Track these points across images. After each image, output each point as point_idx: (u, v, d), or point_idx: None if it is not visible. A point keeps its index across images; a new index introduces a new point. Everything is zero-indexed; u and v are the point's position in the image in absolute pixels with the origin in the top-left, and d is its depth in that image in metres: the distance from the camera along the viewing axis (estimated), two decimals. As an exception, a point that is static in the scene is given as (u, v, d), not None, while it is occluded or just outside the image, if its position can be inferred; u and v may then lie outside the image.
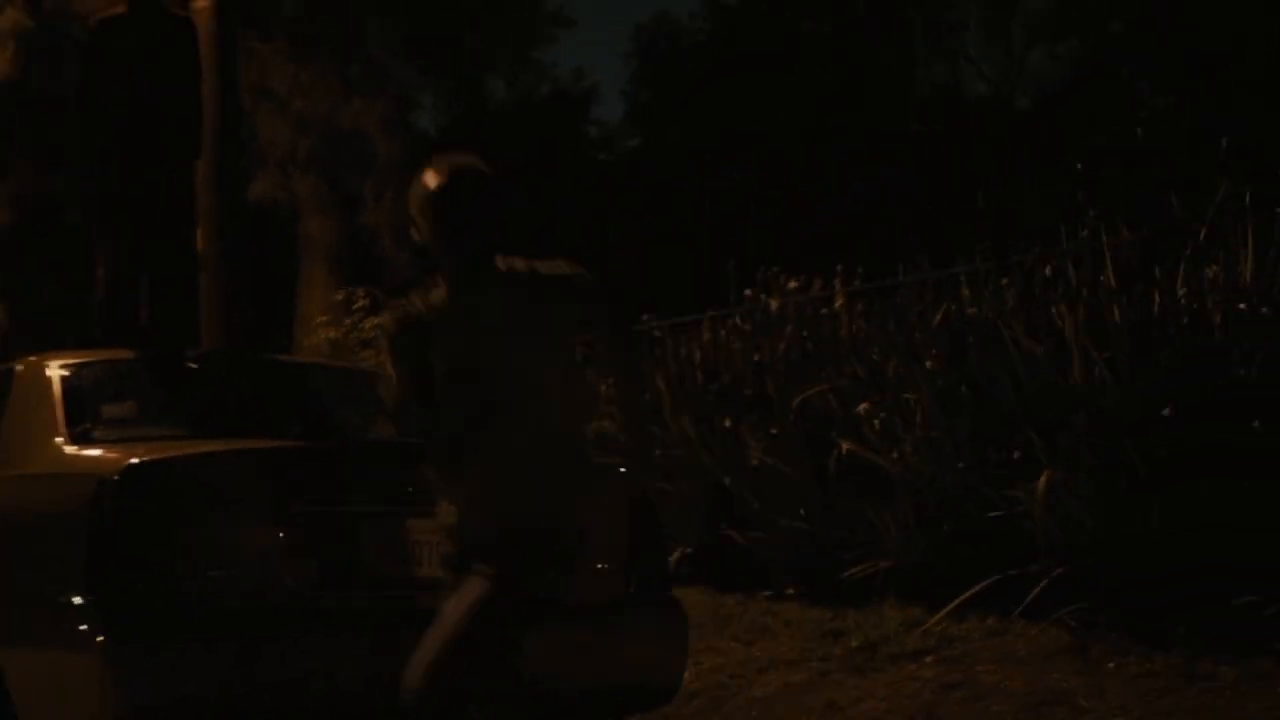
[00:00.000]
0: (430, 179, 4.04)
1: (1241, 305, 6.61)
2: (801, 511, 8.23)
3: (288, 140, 21.21)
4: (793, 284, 9.13)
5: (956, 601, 6.96)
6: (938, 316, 7.64)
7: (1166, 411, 6.26)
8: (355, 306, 14.74)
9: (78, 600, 4.52)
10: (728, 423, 8.83)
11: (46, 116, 19.66)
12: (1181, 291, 6.69)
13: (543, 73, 32.80)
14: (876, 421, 7.47)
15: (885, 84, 31.60)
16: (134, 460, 4.70)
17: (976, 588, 6.86)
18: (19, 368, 6.09)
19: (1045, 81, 31.77)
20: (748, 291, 9.39)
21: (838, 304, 8.67)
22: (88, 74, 7.33)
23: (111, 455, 4.87)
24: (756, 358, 8.82)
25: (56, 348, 6.37)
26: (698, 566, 9.05)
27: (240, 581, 4.68)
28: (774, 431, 8.43)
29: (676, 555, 9.07)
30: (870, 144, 28.30)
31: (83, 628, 4.46)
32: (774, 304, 9.00)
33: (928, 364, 7.33)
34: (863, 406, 7.58)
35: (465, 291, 4.04)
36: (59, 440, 5.31)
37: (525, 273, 4.13)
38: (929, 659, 6.76)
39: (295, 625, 4.73)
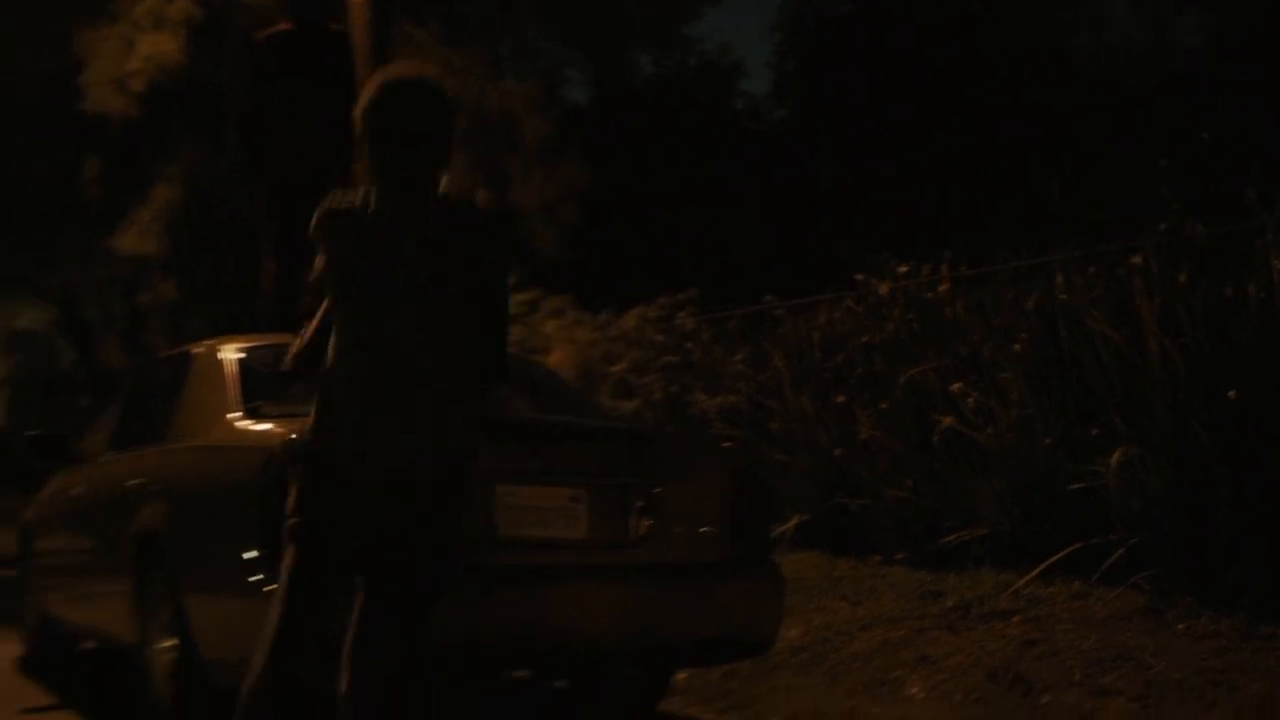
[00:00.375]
0: (370, 88, 3.85)
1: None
2: (909, 482, 8.84)
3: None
4: (903, 269, 9.71)
5: (1042, 566, 7.56)
6: (1030, 302, 8.20)
7: (1231, 395, 6.77)
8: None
9: (249, 555, 5.26)
10: (841, 399, 9.45)
11: (213, 102, 20.64)
12: (1251, 285, 7.19)
13: (689, 47, 33.20)
14: (971, 399, 8.05)
15: (1030, 56, 31.58)
16: (294, 435, 5.44)
17: (1060, 554, 7.45)
18: (197, 351, 6.91)
19: (1179, 55, 31.55)
20: (859, 276, 9.99)
21: (942, 289, 9.24)
22: (256, 86, 8.07)
23: (277, 430, 5.54)
24: (865, 339, 9.44)
25: (222, 325, 7.15)
26: (815, 532, 9.69)
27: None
28: (883, 407, 9.05)
29: (794, 521, 9.76)
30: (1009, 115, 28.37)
31: (254, 578, 5.20)
32: (884, 288, 9.61)
33: (1015, 347, 7.90)
34: (956, 386, 8.17)
35: (388, 210, 3.83)
36: (232, 416, 6.08)
37: (457, 210, 3.88)
38: (1015, 619, 7.34)
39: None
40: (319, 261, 3.88)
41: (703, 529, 5.98)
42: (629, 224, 27.30)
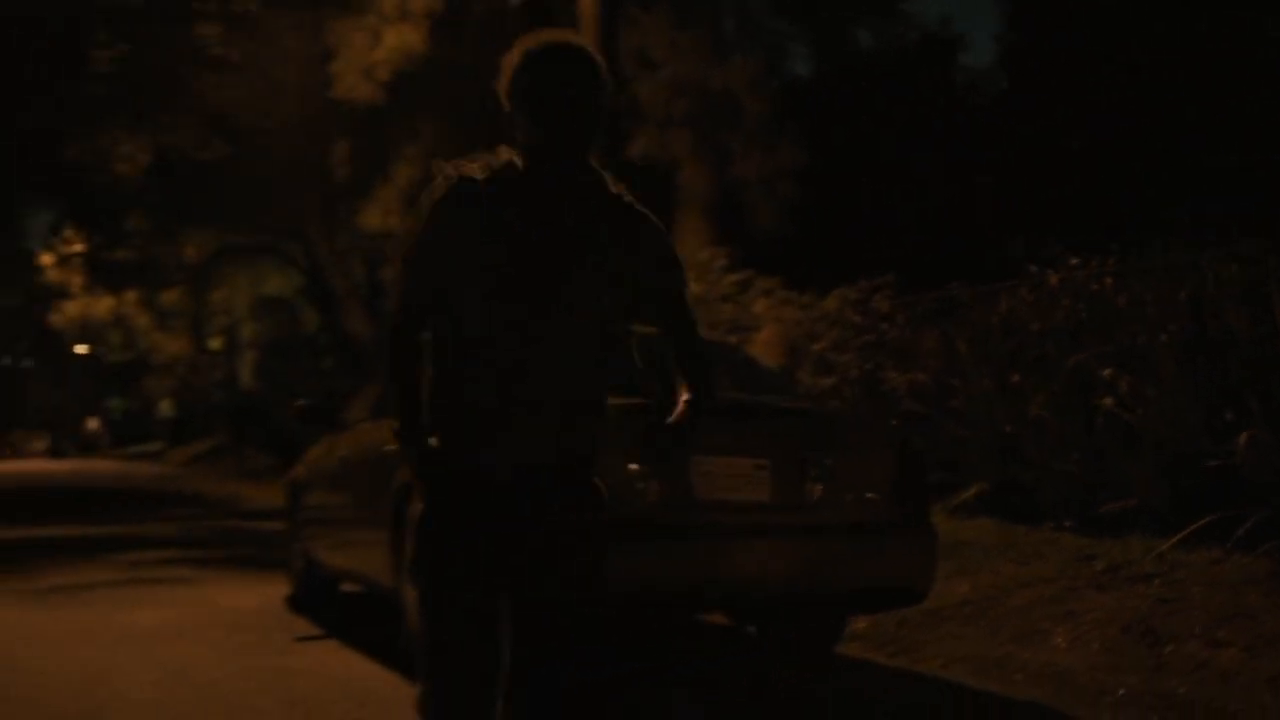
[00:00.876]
0: (515, 53, 3.57)
1: None
2: (1074, 457, 9.77)
3: (664, 101, 23.02)
4: (1073, 261, 10.59)
5: (1182, 534, 8.48)
6: (1183, 294, 9.08)
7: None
8: (716, 265, 16.49)
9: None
10: (1016, 380, 10.40)
11: (453, 86, 22.10)
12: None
13: (909, 21, 33.73)
14: (1124, 383, 8.98)
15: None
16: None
17: (1197, 524, 8.35)
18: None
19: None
20: (1033, 267, 10.88)
21: (1107, 281, 10.11)
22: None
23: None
24: (1038, 326, 10.36)
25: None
26: (992, 501, 10.65)
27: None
28: (1052, 390, 9.99)
29: (974, 490, 10.75)
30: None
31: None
32: (1054, 279, 10.50)
33: (1163, 337, 8.79)
34: (1107, 371, 9.09)
35: (538, 178, 3.53)
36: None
37: (613, 194, 3.62)
38: (1155, 580, 8.26)
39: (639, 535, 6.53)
40: (425, 234, 3.51)
41: (868, 494, 7.06)
42: (844, 199, 27.99)
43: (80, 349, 72.31)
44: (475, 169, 3.53)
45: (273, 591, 11.06)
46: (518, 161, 3.55)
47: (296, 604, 10.49)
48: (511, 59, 3.56)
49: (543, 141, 3.51)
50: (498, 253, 3.45)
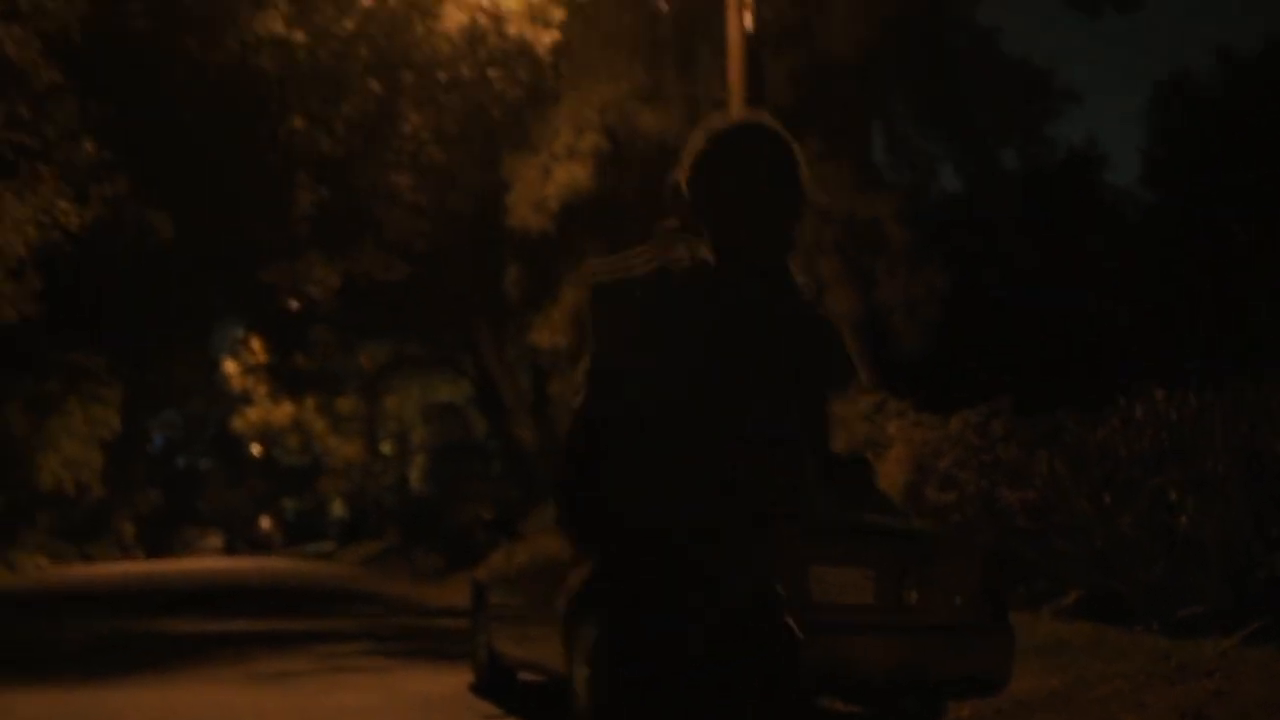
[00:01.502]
0: (696, 136, 3.30)
1: None
2: (1156, 568, 11.15)
3: (812, 228, 24.48)
4: (1159, 394, 11.99)
5: (1242, 634, 9.83)
6: (1245, 425, 10.48)
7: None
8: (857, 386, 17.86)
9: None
10: (1108, 499, 11.80)
11: (617, 215, 23.92)
12: None
13: (1050, 145, 34.79)
14: (1190, 503, 10.38)
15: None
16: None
17: (1252, 627, 9.70)
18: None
19: None
20: (1122, 400, 12.28)
21: (1188, 412, 11.50)
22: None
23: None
24: (1125, 453, 11.77)
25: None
26: (1089, 605, 12.01)
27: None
28: (1139, 508, 11.38)
29: (1074, 597, 12.12)
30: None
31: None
32: (1139, 410, 11.91)
33: (1219, 467, 10.20)
34: (1173, 494, 10.50)
35: (714, 283, 3.24)
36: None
37: (805, 292, 3.35)
38: (1216, 675, 9.59)
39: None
40: (594, 343, 3.29)
41: (956, 599, 8.56)
42: (984, 319, 29.02)
43: (257, 450, 75.23)
44: (639, 262, 3.27)
45: (457, 679, 12.66)
46: (706, 257, 3.26)
47: (480, 690, 12.02)
48: (694, 142, 3.30)
49: (731, 235, 3.24)
50: (678, 356, 3.21)
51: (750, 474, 3.26)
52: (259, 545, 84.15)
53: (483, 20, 22.95)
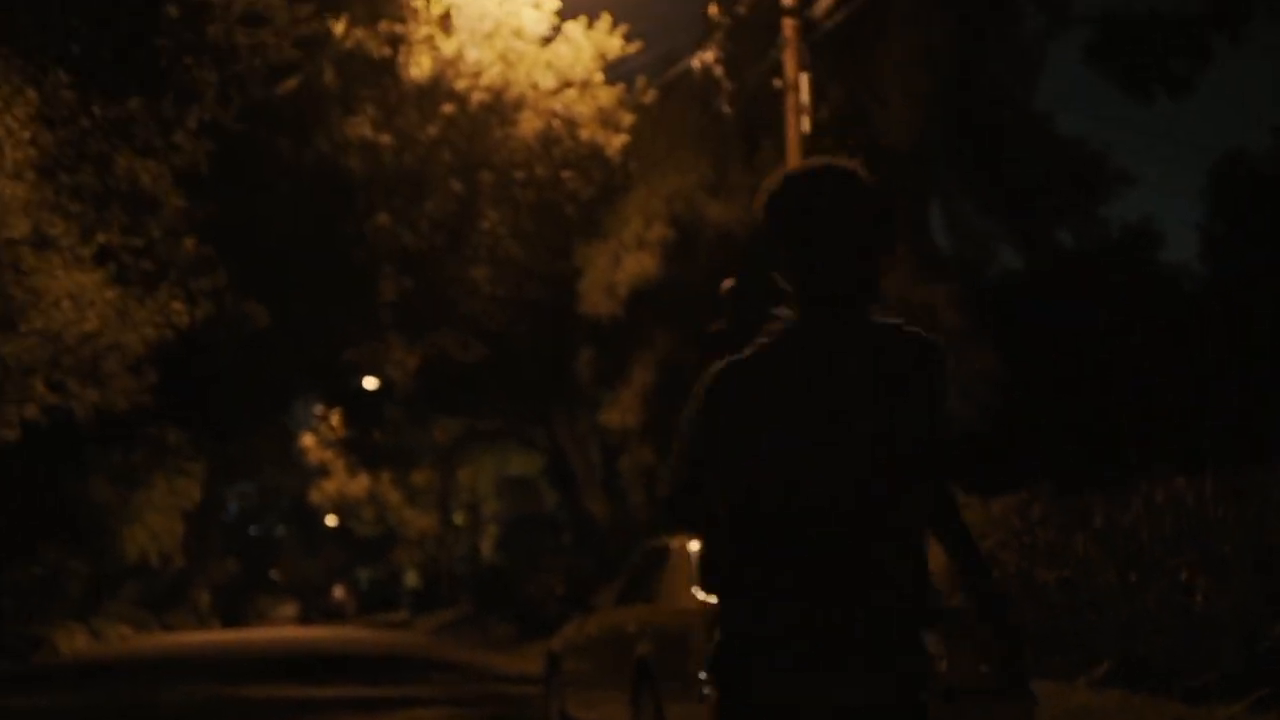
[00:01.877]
0: (771, 183, 3.19)
1: None
2: (1179, 641, 12.19)
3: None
4: (1180, 480, 13.01)
5: (1248, 700, 10.86)
6: (1251, 511, 11.54)
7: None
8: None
9: (701, 675, 9.14)
10: (1134, 577, 12.84)
11: (684, 300, 25.13)
12: None
13: (1104, 226, 35.55)
14: (1203, 582, 11.44)
15: None
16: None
17: (1258, 694, 10.74)
18: (674, 545, 10.98)
19: None
20: (1144, 484, 13.30)
21: (1204, 494, 12.54)
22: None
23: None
24: (1146, 535, 12.83)
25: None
26: (1119, 674, 13.02)
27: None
28: (1159, 586, 12.43)
29: (1105, 667, 13.14)
30: None
31: (704, 690, 9.06)
32: (1159, 494, 12.95)
33: (1226, 548, 11.26)
34: (1184, 574, 11.55)
35: (810, 341, 3.10)
36: (694, 589, 10.05)
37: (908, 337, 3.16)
38: (1224, 738, 10.67)
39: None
40: (704, 426, 3.15)
41: (982, 668, 9.65)
42: (1037, 398, 29.78)
43: (332, 521, 76.67)
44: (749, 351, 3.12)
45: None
46: (792, 318, 3.12)
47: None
48: (770, 185, 3.17)
49: (812, 289, 3.08)
50: (788, 433, 3.03)
51: (886, 565, 3.09)
52: (333, 614, 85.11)
53: (557, 125, 24.58)
